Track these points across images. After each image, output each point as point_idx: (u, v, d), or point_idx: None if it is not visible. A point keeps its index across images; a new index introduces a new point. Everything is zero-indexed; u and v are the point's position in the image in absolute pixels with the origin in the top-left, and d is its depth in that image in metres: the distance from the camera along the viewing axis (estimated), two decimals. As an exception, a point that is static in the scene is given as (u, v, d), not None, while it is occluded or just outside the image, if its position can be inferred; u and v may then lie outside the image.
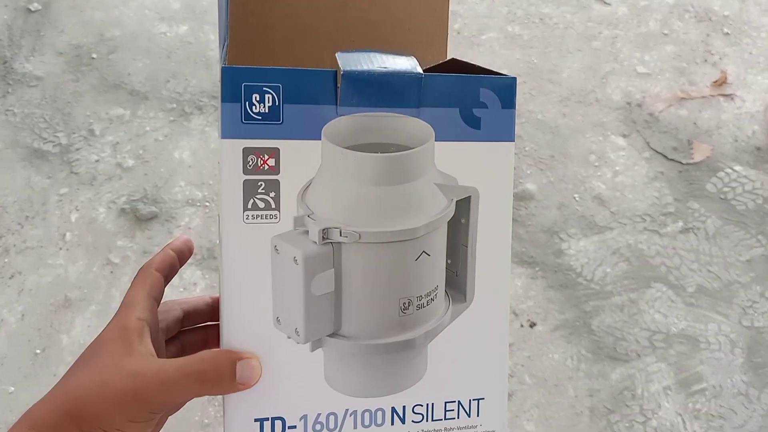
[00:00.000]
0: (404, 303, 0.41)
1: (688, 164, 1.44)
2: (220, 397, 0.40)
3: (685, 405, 1.18)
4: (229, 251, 0.39)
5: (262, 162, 0.38)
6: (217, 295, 0.45)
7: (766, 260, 1.33)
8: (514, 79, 0.41)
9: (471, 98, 0.40)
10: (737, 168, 1.44)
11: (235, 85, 0.37)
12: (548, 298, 1.28)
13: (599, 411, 1.17)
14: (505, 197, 0.42)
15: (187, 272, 1.28)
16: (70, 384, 0.37)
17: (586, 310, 1.27)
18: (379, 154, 0.39)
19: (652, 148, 1.46)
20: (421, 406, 0.42)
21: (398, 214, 0.39)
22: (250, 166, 0.38)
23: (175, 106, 1.49)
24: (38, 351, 1.21)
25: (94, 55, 1.57)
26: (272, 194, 0.38)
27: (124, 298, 0.41)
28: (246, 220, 0.38)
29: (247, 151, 0.38)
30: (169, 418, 0.43)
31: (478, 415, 0.43)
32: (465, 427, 0.43)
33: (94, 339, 0.39)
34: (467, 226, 0.42)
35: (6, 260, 1.30)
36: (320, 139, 0.38)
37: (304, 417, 0.40)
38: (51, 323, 1.23)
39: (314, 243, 0.38)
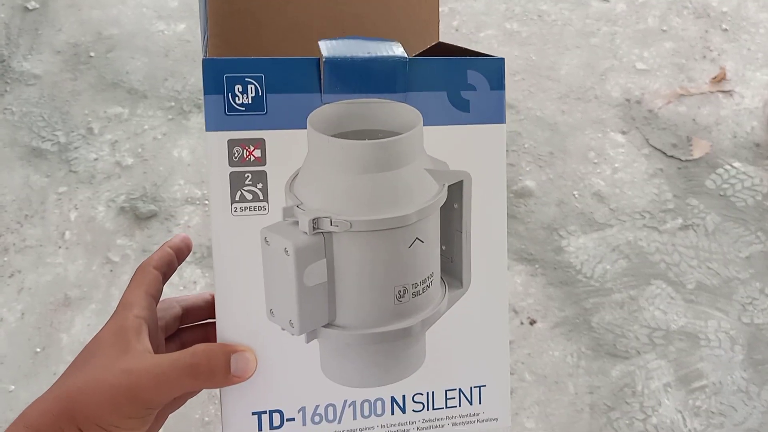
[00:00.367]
0: (399, 291, 0.40)
1: (687, 161, 1.44)
2: (219, 393, 0.40)
3: (685, 402, 1.18)
4: (220, 245, 0.38)
5: (247, 153, 0.38)
6: None
7: (765, 257, 1.33)
8: (502, 59, 0.40)
9: (458, 81, 0.40)
10: (736, 164, 1.44)
11: (217, 77, 0.37)
12: (548, 295, 1.28)
13: (599, 408, 1.17)
14: (498, 180, 0.41)
15: (187, 271, 1.28)
16: (67, 383, 0.37)
17: (586, 308, 1.27)
18: (367, 141, 0.38)
19: (651, 145, 1.46)
20: (421, 394, 0.41)
21: (389, 202, 0.39)
22: (235, 158, 0.38)
23: (173, 104, 1.49)
24: (38, 350, 1.20)
25: (92, 54, 1.57)
26: (260, 186, 0.38)
27: (122, 297, 0.41)
28: (234, 213, 0.38)
29: (232, 143, 0.37)
30: (170, 416, 0.43)
31: (480, 403, 0.42)
32: (467, 416, 0.42)
33: (91, 338, 0.39)
34: (461, 211, 0.41)
35: (5, 259, 1.30)
36: (306, 128, 0.38)
37: (302, 409, 0.40)
38: (51, 322, 1.23)
39: (305, 233, 0.38)
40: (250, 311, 0.39)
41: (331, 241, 0.39)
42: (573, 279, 1.30)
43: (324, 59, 0.37)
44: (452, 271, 0.42)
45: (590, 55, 1.60)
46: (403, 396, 0.41)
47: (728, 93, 1.55)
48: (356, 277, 0.39)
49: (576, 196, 1.40)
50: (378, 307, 0.40)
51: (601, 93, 1.54)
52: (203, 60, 0.37)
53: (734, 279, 1.30)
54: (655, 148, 1.46)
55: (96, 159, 1.42)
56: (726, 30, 1.65)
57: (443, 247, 0.42)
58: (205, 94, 0.37)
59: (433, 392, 0.42)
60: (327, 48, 0.38)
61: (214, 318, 0.47)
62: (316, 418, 0.40)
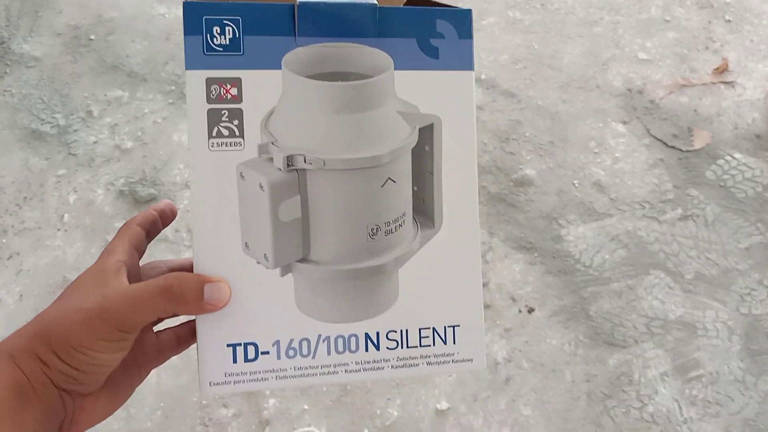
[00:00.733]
0: (372, 229, 0.41)
1: (687, 151, 1.44)
2: (195, 325, 0.40)
3: (682, 391, 1.18)
4: (197, 179, 0.40)
5: (224, 91, 0.39)
6: None
7: (764, 248, 1.33)
8: (470, 10, 0.43)
9: (427, 29, 0.42)
10: (737, 155, 1.43)
11: (197, 18, 0.39)
12: (546, 283, 1.28)
13: (596, 396, 1.17)
14: (467, 124, 0.42)
15: (187, 254, 1.28)
16: (44, 313, 0.38)
17: (585, 296, 1.27)
18: (340, 83, 0.40)
19: (652, 135, 1.46)
20: (395, 332, 0.42)
21: (362, 142, 0.40)
22: (213, 95, 0.39)
23: (173, 88, 1.48)
24: (36, 332, 1.20)
25: (92, 37, 1.56)
26: (236, 122, 0.40)
27: (105, 247, 0.42)
28: (211, 148, 0.40)
29: (210, 81, 0.39)
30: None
31: (454, 343, 0.43)
32: (441, 355, 0.43)
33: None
34: (431, 153, 0.42)
35: (4, 241, 1.30)
36: (281, 69, 0.40)
37: (277, 342, 0.41)
38: (49, 304, 1.23)
39: (279, 170, 0.39)
40: (225, 244, 0.40)
41: (305, 178, 0.40)
42: (572, 268, 1.30)
43: (298, 3, 0.39)
44: (424, 211, 0.44)
45: (592, 45, 1.59)
46: (377, 333, 0.42)
47: (730, 84, 1.54)
48: (330, 214, 0.41)
49: (576, 185, 1.40)
50: (351, 244, 0.41)
51: (603, 82, 1.54)
52: (183, 2, 0.39)
53: (733, 270, 1.30)
54: (656, 138, 1.46)
55: (95, 142, 1.41)
56: (729, 21, 1.64)
57: (415, 188, 0.44)
58: (185, 34, 0.39)
59: (407, 330, 0.42)
60: None
61: None
62: (291, 352, 0.41)
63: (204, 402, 1.12)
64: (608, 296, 1.27)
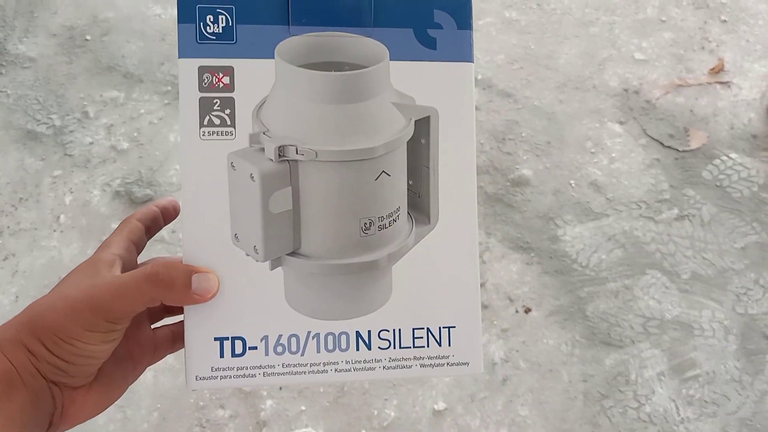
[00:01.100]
0: (365, 223, 0.40)
1: (684, 151, 1.44)
2: (183, 318, 0.40)
3: (679, 391, 1.18)
4: (187, 167, 0.39)
5: (217, 80, 0.39)
6: None
7: (760, 248, 1.33)
8: (469, 0, 0.42)
9: (425, 19, 0.41)
10: (733, 155, 1.44)
11: (190, 7, 0.39)
12: (543, 283, 1.28)
13: (593, 396, 1.17)
14: (466, 117, 0.41)
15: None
16: (33, 304, 0.38)
17: (581, 296, 1.27)
18: (333, 73, 0.39)
19: (648, 135, 1.46)
20: (388, 331, 0.41)
21: (356, 133, 0.39)
22: (205, 83, 0.39)
23: (170, 89, 1.48)
24: (32, 333, 1.20)
25: (88, 37, 1.55)
26: (227, 111, 0.39)
27: (103, 241, 0.41)
28: (203, 137, 0.39)
29: (202, 70, 0.39)
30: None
31: (449, 345, 0.42)
32: (436, 357, 0.42)
33: None
34: (428, 146, 0.42)
35: (0, 242, 1.30)
36: (273, 58, 0.39)
37: (265, 338, 0.40)
38: (45, 306, 1.23)
39: (270, 160, 0.38)
40: (215, 235, 0.39)
41: (297, 169, 0.39)
42: (568, 268, 1.30)
43: None
44: (419, 206, 0.43)
45: (589, 45, 1.60)
46: (369, 331, 0.41)
47: (726, 84, 1.54)
48: (321, 206, 0.40)
49: (573, 185, 1.40)
50: (343, 239, 0.41)
51: (599, 83, 1.54)
52: None
53: (729, 269, 1.31)
54: (653, 138, 1.46)
55: (91, 143, 1.41)
56: (725, 21, 1.64)
57: (410, 182, 0.43)
58: (179, 23, 0.39)
59: (400, 330, 0.41)
60: None
61: None
62: (279, 348, 0.40)
63: (201, 403, 1.12)
64: (605, 296, 1.27)
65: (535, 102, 1.50)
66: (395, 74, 0.41)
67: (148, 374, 1.11)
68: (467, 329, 0.42)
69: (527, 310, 1.26)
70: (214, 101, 0.39)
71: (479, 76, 1.53)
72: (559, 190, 1.39)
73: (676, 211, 1.37)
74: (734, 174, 1.41)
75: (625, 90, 1.53)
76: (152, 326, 0.44)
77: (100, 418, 1.09)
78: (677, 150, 1.44)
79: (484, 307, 1.25)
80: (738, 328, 1.24)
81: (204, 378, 0.40)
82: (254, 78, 0.39)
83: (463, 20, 0.41)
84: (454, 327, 0.42)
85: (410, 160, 0.42)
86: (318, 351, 0.40)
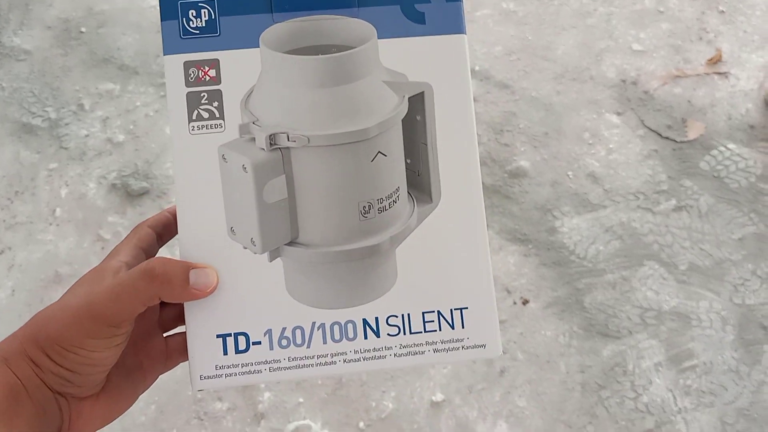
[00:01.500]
0: (364, 207, 0.39)
1: (681, 142, 1.44)
2: (185, 315, 0.39)
3: (676, 381, 1.18)
4: (179, 164, 0.39)
5: (203, 74, 0.39)
6: None
7: (757, 238, 1.33)
8: None
9: None
10: (731, 146, 1.44)
11: (172, 3, 0.39)
12: (541, 275, 1.28)
13: (590, 387, 1.18)
14: (462, 90, 0.40)
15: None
16: (37, 314, 0.37)
17: (579, 288, 1.27)
18: (320, 56, 0.38)
19: (646, 126, 1.46)
20: (396, 317, 0.40)
21: (347, 115, 0.38)
22: (191, 78, 0.39)
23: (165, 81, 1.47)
24: (29, 327, 1.20)
25: (83, 29, 1.55)
26: (215, 104, 0.39)
27: (113, 248, 0.40)
28: (192, 132, 0.39)
29: (188, 65, 0.39)
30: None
31: (463, 327, 0.40)
32: (449, 341, 0.40)
33: None
34: (424, 122, 0.41)
35: (-5, 236, 1.29)
36: (258, 47, 0.39)
37: (269, 332, 0.39)
38: (41, 299, 1.23)
39: (262, 150, 0.38)
40: (211, 230, 0.39)
41: (290, 157, 0.38)
42: (566, 259, 1.30)
43: None
44: (420, 185, 0.42)
45: (586, 36, 1.59)
46: (376, 318, 0.40)
47: (724, 75, 1.54)
48: (317, 193, 0.39)
49: (570, 176, 1.39)
50: (342, 224, 0.40)
51: (597, 74, 1.53)
52: None
53: (726, 260, 1.31)
54: (650, 129, 1.46)
55: (87, 135, 1.40)
56: (723, 12, 1.64)
57: (408, 161, 0.42)
58: (161, 20, 0.39)
59: (409, 314, 0.40)
60: None
61: None
62: (284, 342, 0.39)
63: (199, 396, 1.12)
64: (602, 287, 1.27)
65: (533, 93, 1.50)
66: (385, 53, 0.40)
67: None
68: (481, 309, 0.40)
69: (525, 302, 1.25)
70: (202, 95, 0.39)
71: (476, 68, 1.53)
72: (557, 182, 1.39)
73: (673, 202, 1.37)
74: (732, 165, 1.41)
75: (623, 81, 1.52)
76: (165, 335, 0.43)
77: (98, 411, 1.09)
78: (675, 141, 1.44)
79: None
80: (735, 318, 1.25)
81: (209, 377, 0.39)
82: (240, 69, 0.39)
83: None
84: (467, 308, 0.40)
85: (407, 139, 0.41)
86: (324, 342, 0.39)
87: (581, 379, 1.18)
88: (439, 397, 1.15)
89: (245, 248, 0.39)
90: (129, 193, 1.34)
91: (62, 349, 0.35)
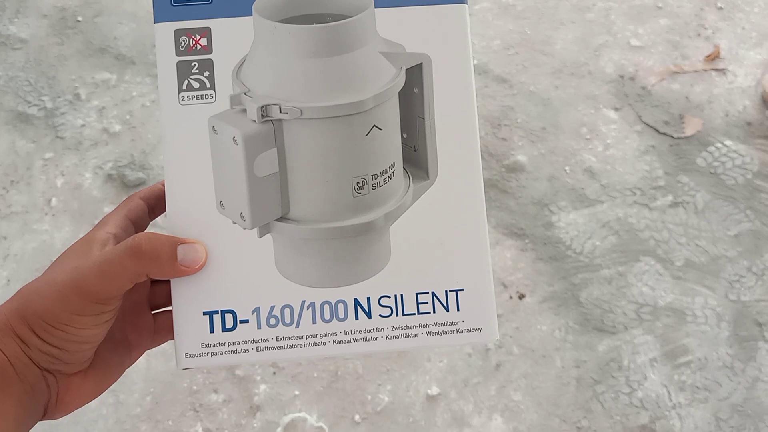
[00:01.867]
0: (358, 182, 0.38)
1: (679, 138, 1.44)
2: (171, 292, 0.38)
3: (671, 377, 1.19)
4: (168, 135, 0.38)
5: (194, 42, 0.38)
6: None
7: (753, 235, 1.33)
8: None
9: None
10: (727, 142, 1.44)
11: None
12: (537, 270, 1.28)
13: (586, 381, 1.18)
14: (462, 63, 0.39)
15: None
16: (23, 288, 0.36)
17: (575, 283, 1.27)
18: (315, 25, 0.37)
19: (643, 122, 1.46)
20: (389, 297, 0.38)
21: (342, 87, 0.37)
22: (182, 47, 0.38)
23: (162, 71, 1.47)
24: (23, 317, 1.19)
25: (80, 18, 1.54)
26: (206, 74, 0.38)
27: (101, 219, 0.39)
28: (182, 102, 0.38)
29: (178, 33, 0.38)
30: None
31: (458, 310, 0.38)
32: (444, 324, 0.38)
33: None
34: (421, 95, 0.39)
35: (-10, 225, 1.28)
36: (251, 15, 0.38)
37: (257, 310, 0.38)
38: (36, 289, 1.22)
39: (253, 121, 0.36)
40: (200, 204, 0.38)
41: (282, 129, 0.37)
42: (562, 254, 1.30)
43: None
44: (416, 160, 0.40)
45: (585, 31, 1.59)
46: (368, 299, 0.38)
47: (721, 71, 1.54)
48: (310, 167, 0.38)
49: (567, 171, 1.40)
50: (335, 200, 0.38)
51: (595, 69, 1.53)
52: None
53: (722, 257, 1.31)
54: (648, 125, 1.46)
55: (83, 125, 1.40)
56: (721, 8, 1.64)
57: (404, 136, 0.40)
58: None
59: (402, 295, 0.38)
60: None
61: None
62: (272, 321, 0.38)
63: (194, 387, 1.12)
64: (598, 283, 1.28)
65: (531, 88, 1.50)
66: (382, 23, 0.38)
67: (141, 358, 1.11)
68: (477, 291, 0.38)
69: (521, 296, 1.26)
70: (192, 64, 0.38)
71: (475, 62, 1.53)
72: (554, 176, 1.39)
73: (670, 198, 1.37)
74: (729, 161, 1.41)
75: (621, 76, 1.52)
76: (153, 312, 0.42)
77: (93, 403, 1.09)
78: (672, 137, 1.44)
79: (478, 292, 1.24)
80: (730, 314, 1.25)
81: (194, 355, 0.38)
82: (232, 38, 0.38)
83: None
84: (463, 290, 0.38)
85: (403, 112, 0.39)
86: (314, 322, 0.38)
87: (576, 374, 1.19)
88: (434, 390, 1.15)
89: (234, 223, 0.38)
90: (125, 184, 1.33)
91: (50, 327, 0.34)
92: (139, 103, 1.42)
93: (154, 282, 0.42)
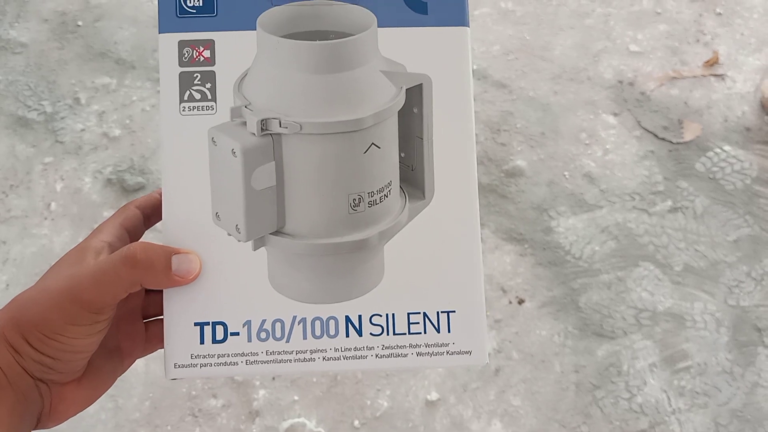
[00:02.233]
0: (354, 200, 0.38)
1: (678, 143, 1.44)
2: (163, 302, 0.38)
3: (670, 382, 1.19)
4: (167, 144, 0.38)
5: (197, 54, 0.38)
6: None
7: (752, 240, 1.33)
8: None
9: None
10: (726, 148, 1.44)
11: None
12: (536, 275, 1.28)
13: (585, 387, 1.18)
14: (462, 85, 0.39)
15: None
16: (18, 296, 0.36)
17: (574, 288, 1.27)
18: (318, 42, 0.37)
19: (642, 127, 1.46)
20: (380, 316, 0.38)
21: (342, 104, 0.37)
22: (185, 58, 0.38)
23: (162, 76, 1.47)
24: (22, 321, 1.19)
25: (80, 23, 1.54)
26: (208, 85, 0.38)
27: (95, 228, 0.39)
28: (183, 112, 0.38)
29: (182, 44, 0.38)
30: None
31: (449, 332, 0.38)
32: (434, 345, 0.38)
33: None
34: (420, 116, 0.39)
35: (-11, 229, 1.28)
36: (255, 29, 0.38)
37: (248, 323, 0.38)
38: (35, 294, 1.22)
39: (253, 134, 0.37)
40: (196, 215, 0.38)
41: (281, 143, 0.37)
42: (562, 259, 1.30)
43: None
44: (413, 180, 0.40)
45: (584, 36, 1.59)
46: (360, 316, 0.38)
47: (720, 77, 1.55)
48: (307, 182, 0.38)
49: (566, 176, 1.40)
50: (330, 216, 0.38)
51: (594, 74, 1.53)
52: None
53: (721, 262, 1.31)
54: (647, 130, 1.46)
55: (83, 129, 1.40)
56: (720, 14, 1.64)
57: (402, 155, 0.40)
58: None
59: (393, 314, 0.38)
60: None
61: None
62: (263, 335, 0.38)
63: (193, 393, 1.12)
64: (597, 288, 1.28)
65: (530, 93, 1.50)
66: (384, 42, 0.39)
67: (140, 363, 1.11)
68: (469, 314, 0.39)
69: (520, 301, 1.26)
70: (195, 75, 0.38)
71: (474, 67, 1.53)
72: (553, 182, 1.39)
73: (669, 203, 1.37)
74: (727, 166, 1.42)
75: (620, 82, 1.53)
76: (145, 321, 0.42)
77: (92, 408, 1.09)
78: (671, 142, 1.44)
79: (478, 297, 1.24)
80: (730, 320, 1.25)
81: (183, 366, 0.38)
82: (236, 51, 0.38)
83: None
84: (454, 311, 0.39)
85: (402, 131, 0.40)
86: (304, 337, 0.38)
87: (576, 379, 1.18)
88: (434, 395, 1.15)
89: (229, 235, 0.38)
90: (125, 188, 1.33)
91: (43, 336, 0.34)
92: (139, 108, 1.42)
93: (147, 291, 0.42)
